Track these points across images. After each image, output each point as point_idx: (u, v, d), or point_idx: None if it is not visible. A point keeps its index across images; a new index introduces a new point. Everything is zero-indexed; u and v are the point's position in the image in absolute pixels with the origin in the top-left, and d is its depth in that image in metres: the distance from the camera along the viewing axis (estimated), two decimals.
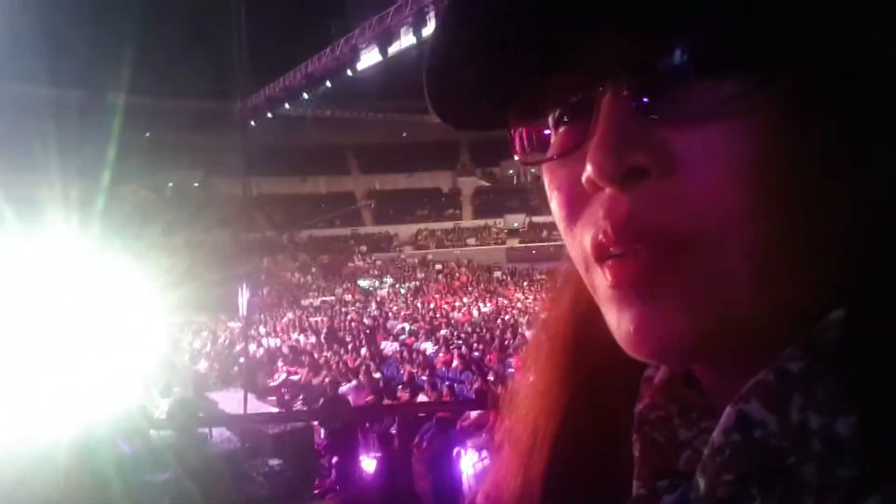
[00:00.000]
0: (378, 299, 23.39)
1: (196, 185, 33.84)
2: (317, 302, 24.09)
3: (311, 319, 17.64)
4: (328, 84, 19.54)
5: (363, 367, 9.45)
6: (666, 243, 0.29)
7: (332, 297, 24.98)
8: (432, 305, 20.03)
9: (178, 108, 29.63)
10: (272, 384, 9.71)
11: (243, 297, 9.61)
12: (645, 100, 0.29)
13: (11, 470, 4.95)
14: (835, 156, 0.28)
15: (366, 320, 16.48)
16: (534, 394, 0.45)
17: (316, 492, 5.74)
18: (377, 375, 9.30)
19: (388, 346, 12.13)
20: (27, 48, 16.31)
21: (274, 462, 5.54)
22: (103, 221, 11.41)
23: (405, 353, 11.10)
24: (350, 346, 11.91)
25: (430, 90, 0.35)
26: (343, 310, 20.37)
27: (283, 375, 10.16)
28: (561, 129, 0.34)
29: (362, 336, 13.16)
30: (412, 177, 38.99)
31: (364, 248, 34.89)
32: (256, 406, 7.34)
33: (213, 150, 27.29)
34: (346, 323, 16.03)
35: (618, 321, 0.31)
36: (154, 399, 6.96)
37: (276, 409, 7.86)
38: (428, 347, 11.61)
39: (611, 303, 0.32)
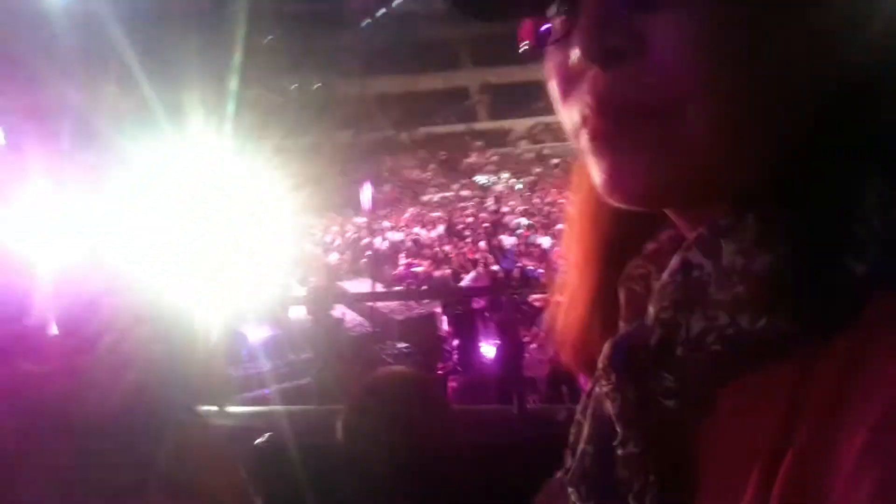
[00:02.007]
0: (495, 194, 23.43)
1: (316, 87, 34.62)
2: (436, 198, 24.57)
3: (431, 214, 18.09)
4: None
5: (482, 260, 9.70)
6: (638, 112, 0.35)
7: (451, 193, 25.33)
8: (549, 199, 19.83)
9: (297, 11, 29.95)
10: (396, 274, 10.21)
11: (367, 194, 10.02)
12: None
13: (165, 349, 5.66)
14: (761, 33, 0.33)
15: (483, 215, 16.67)
16: (571, 266, 0.53)
17: (440, 373, 6.14)
18: (495, 268, 9.54)
19: (506, 240, 12.30)
20: None
21: (401, 345, 5.97)
22: (235, 125, 12.11)
23: (522, 247, 11.24)
24: (469, 240, 12.19)
25: None
26: (461, 205, 20.67)
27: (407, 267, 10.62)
28: (557, 21, 0.40)
29: (480, 230, 13.39)
30: (527, 69, 37.49)
31: (480, 143, 34.62)
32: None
33: (329, 52, 27.60)
34: (465, 218, 16.33)
35: (596, 170, 0.38)
36: (293, 288, 7.58)
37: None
38: (545, 241, 11.67)
39: (591, 155, 0.39)
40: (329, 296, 6.48)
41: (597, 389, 0.46)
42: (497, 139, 35.59)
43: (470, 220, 15.63)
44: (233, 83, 12.40)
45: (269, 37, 28.98)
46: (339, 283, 8.55)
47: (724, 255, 0.36)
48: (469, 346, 6.25)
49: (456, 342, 6.41)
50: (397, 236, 13.61)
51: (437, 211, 19.32)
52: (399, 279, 9.96)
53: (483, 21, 0.44)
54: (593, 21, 0.36)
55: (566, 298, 0.54)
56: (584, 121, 0.38)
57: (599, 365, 0.44)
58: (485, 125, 37.38)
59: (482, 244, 11.56)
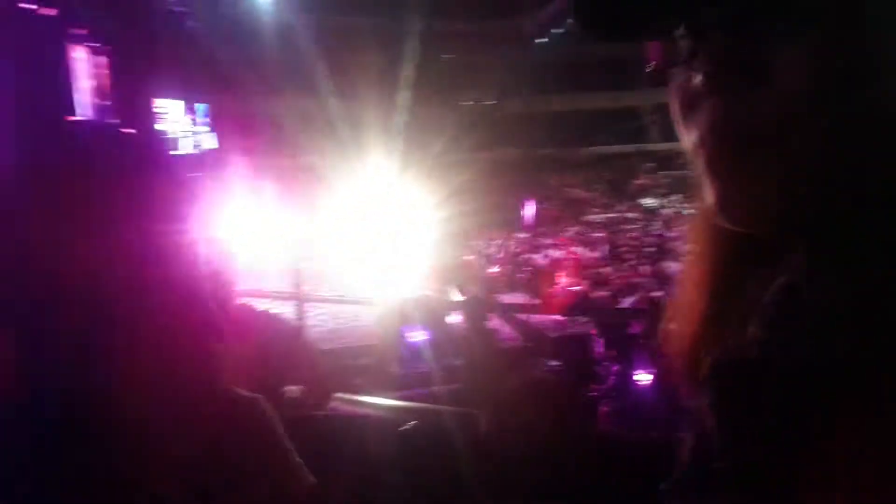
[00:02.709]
0: (662, 218, 22.46)
1: (490, 104, 35.40)
2: (599, 218, 24.04)
3: (593, 235, 17.76)
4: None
5: (643, 284, 9.36)
6: (749, 138, 0.38)
7: (615, 214, 24.65)
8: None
9: (470, 31, 30.89)
10: (554, 291, 10.14)
11: (531, 210, 10.06)
12: (744, 28, 0.38)
13: (341, 341, 6.02)
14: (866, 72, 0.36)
15: (648, 238, 16.07)
16: (691, 285, 0.55)
17: (593, 395, 6.01)
18: (657, 294, 9.15)
19: (672, 267, 11.75)
20: None
21: (553, 362, 5.92)
22: (411, 142, 12.77)
23: None
24: (631, 263, 11.82)
25: (580, 9, 0.46)
26: (625, 227, 20.05)
27: (566, 285, 10.51)
28: (682, 43, 0.42)
29: (644, 254, 12.92)
30: None
31: (650, 164, 33.37)
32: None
33: (502, 70, 28.12)
34: (628, 240, 15.83)
35: (709, 192, 0.41)
36: (452, 295, 7.80)
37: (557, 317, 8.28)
38: None
39: (705, 178, 0.41)
40: (485, 306, 6.61)
41: (699, 404, 0.47)
42: (669, 161, 34.17)
43: (634, 242, 15.14)
44: (406, 98, 13.10)
45: (444, 55, 30.18)
46: (496, 296, 8.67)
47: (820, 282, 0.38)
48: (625, 371, 6.05)
49: (612, 366, 6.24)
50: (557, 254, 13.53)
51: (600, 231, 18.93)
52: (556, 296, 9.88)
53: (611, 41, 0.47)
54: (717, 48, 0.38)
55: (685, 317, 0.55)
56: (702, 143, 0.40)
57: (700, 379, 0.46)
58: (657, 146, 36.02)
59: (645, 268, 11.15)
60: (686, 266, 0.56)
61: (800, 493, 0.38)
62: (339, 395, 2.85)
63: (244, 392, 0.96)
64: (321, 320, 8.13)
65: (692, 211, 0.56)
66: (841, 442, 0.36)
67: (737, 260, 0.50)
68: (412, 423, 1.94)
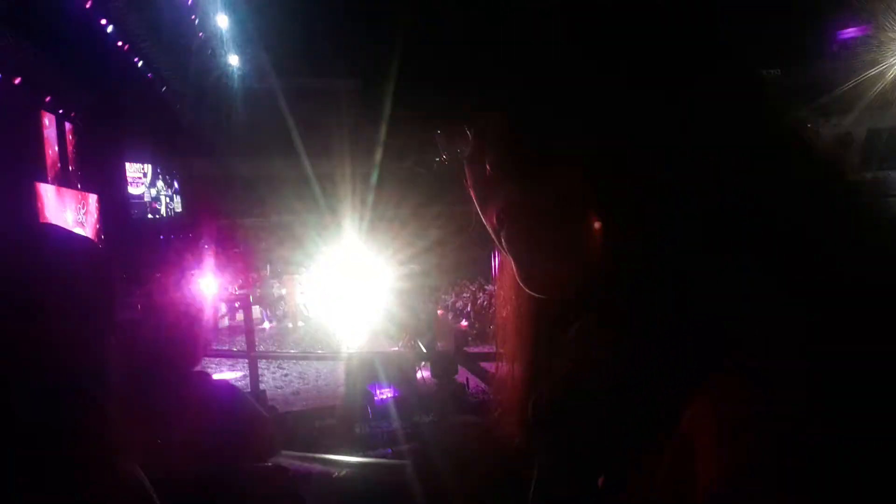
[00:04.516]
0: None
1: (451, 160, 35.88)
2: None
3: None
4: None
5: None
6: (537, 218, 0.44)
7: None
8: None
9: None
10: None
11: (498, 261, 10.09)
12: (521, 128, 0.45)
13: (305, 402, 5.89)
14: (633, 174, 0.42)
15: None
16: (510, 335, 0.60)
17: None
18: None
19: None
20: (320, 45, 18.72)
21: None
22: (381, 195, 12.88)
23: None
24: None
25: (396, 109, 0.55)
26: None
27: None
28: (472, 141, 0.49)
29: None
30: None
31: None
32: None
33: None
34: None
35: (513, 267, 0.47)
36: (421, 350, 7.74)
37: None
38: None
39: (508, 255, 0.47)
40: (455, 360, 6.56)
41: (531, 446, 0.51)
42: None
43: None
44: (378, 156, 13.27)
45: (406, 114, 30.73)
46: (466, 349, 8.61)
47: (618, 336, 0.42)
48: None
49: None
50: None
51: None
52: None
53: (419, 132, 0.55)
54: (500, 145, 0.45)
55: (507, 364, 0.60)
56: (500, 224, 0.46)
57: (524, 422, 0.50)
58: None
59: None
60: (506, 319, 0.61)
61: None
62: (286, 452, 2.78)
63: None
64: (285, 381, 7.98)
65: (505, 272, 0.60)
66: (651, 468, 0.39)
67: (543, 314, 0.55)
68: (343, 471, 1.93)
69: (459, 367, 6.19)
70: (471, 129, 0.48)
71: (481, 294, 12.92)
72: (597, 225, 0.41)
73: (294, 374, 8.26)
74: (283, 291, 12.46)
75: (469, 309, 12.65)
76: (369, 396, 5.59)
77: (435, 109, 0.50)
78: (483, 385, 6.22)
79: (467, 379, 6.14)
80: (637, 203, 0.40)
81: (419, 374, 6.54)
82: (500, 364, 0.62)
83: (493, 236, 0.49)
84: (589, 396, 0.42)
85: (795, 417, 0.30)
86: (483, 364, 5.83)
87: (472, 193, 0.50)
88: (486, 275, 16.11)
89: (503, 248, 0.47)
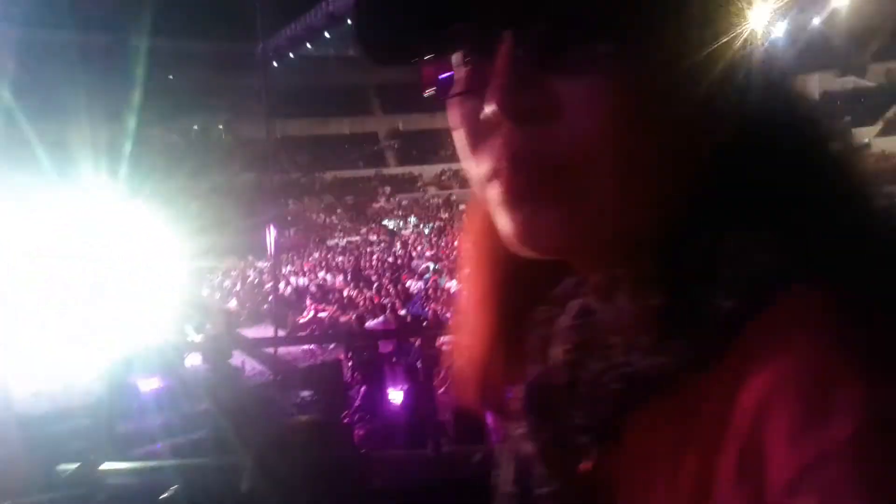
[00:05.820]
0: (403, 239, 23.55)
1: (220, 127, 33.86)
2: (342, 242, 24.40)
3: (337, 259, 17.91)
4: (350, 23, 19.19)
5: (389, 305, 9.66)
6: (550, 168, 0.37)
7: (358, 238, 25.24)
8: (456, 244, 20.11)
9: (201, 51, 29.41)
10: (301, 321, 9.99)
11: (271, 237, 9.80)
12: (538, 53, 0.37)
13: (51, 403, 5.25)
14: (657, 108, 0.37)
15: (391, 259, 16.68)
16: (469, 305, 0.54)
17: (345, 421, 5.99)
18: (402, 313, 9.52)
19: (414, 285, 12.33)
20: None
21: (305, 393, 5.79)
22: (132, 165, 11.62)
23: (430, 292, 11.30)
24: (376, 285, 12.13)
25: (360, 30, 0.42)
26: (368, 249, 20.61)
27: (312, 313, 10.43)
28: (464, 70, 0.41)
29: (388, 275, 13.36)
30: (435, 116, 38.52)
31: (388, 188, 34.88)
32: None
33: (236, 93, 27.21)
34: (372, 262, 16.26)
35: (507, 222, 0.40)
36: (189, 336, 7.25)
37: (306, 346, 8.16)
38: (453, 286, 11.77)
39: (501, 208, 0.40)
40: (227, 343, 6.23)
41: (514, 432, 0.46)
42: (406, 185, 36.00)
43: (377, 264, 15.59)
44: (130, 123, 11.93)
45: (170, 76, 28.26)
46: (239, 331, 8.25)
47: (617, 301, 0.40)
48: (375, 392, 6.15)
49: (362, 388, 6.30)
50: (301, 281, 13.34)
51: (344, 256, 19.16)
52: (303, 326, 9.74)
53: (386, 66, 0.44)
54: (510, 79, 0.37)
55: (465, 338, 0.54)
56: (497, 174, 0.39)
57: (514, 408, 0.46)
58: (393, 170, 37.77)
59: (390, 288, 11.53)
60: (467, 293, 0.55)
61: None
62: (64, 466, 2.40)
63: None
64: (24, 380, 6.91)
65: (465, 238, 0.54)
66: (652, 448, 0.38)
67: (520, 281, 0.49)
68: (173, 487, 1.73)
69: (233, 350, 5.91)
70: (473, 49, 0.40)
71: (251, 271, 12.48)
72: (617, 177, 0.37)
73: (40, 373, 7.20)
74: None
75: (238, 288, 12.12)
76: (132, 390, 5.10)
77: (422, 26, 0.39)
78: (262, 368, 6.01)
79: (243, 362, 5.87)
80: (672, 156, 0.38)
81: (187, 362, 6.10)
82: (458, 338, 0.55)
83: (477, 186, 0.42)
84: (597, 383, 0.40)
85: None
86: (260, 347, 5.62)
87: (459, 137, 0.42)
88: (256, 251, 15.55)
89: (498, 202, 0.40)
